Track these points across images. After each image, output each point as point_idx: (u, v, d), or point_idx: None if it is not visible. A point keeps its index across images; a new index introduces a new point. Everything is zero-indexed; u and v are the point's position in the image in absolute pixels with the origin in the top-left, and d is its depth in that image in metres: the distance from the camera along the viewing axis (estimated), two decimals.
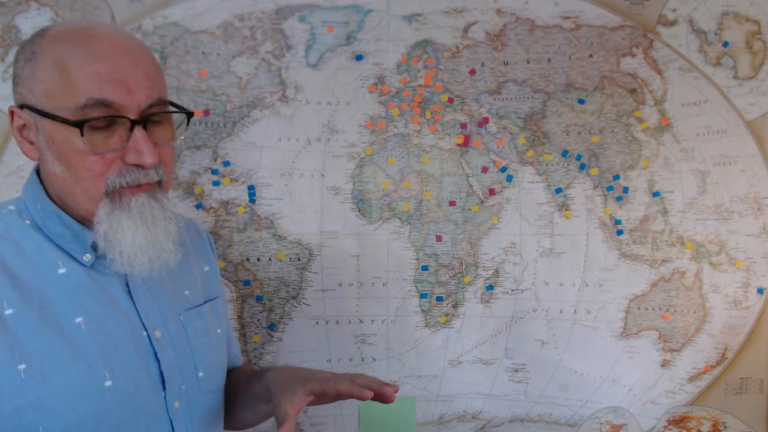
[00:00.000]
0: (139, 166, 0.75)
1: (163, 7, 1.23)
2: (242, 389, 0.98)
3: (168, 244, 0.78)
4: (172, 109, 0.80)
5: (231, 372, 1.02)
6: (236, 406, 0.98)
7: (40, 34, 0.76)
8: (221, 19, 1.25)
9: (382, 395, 0.81)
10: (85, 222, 0.77)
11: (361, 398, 0.80)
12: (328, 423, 1.34)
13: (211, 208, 1.26)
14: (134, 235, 0.75)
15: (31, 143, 0.77)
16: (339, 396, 0.83)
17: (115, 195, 0.75)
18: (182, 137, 0.82)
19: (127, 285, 0.81)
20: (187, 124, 0.83)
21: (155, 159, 0.75)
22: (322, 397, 0.84)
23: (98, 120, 0.72)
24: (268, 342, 1.29)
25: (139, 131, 0.74)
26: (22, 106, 0.76)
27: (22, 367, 0.71)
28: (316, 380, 0.83)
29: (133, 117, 0.74)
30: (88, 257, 0.78)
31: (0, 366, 0.70)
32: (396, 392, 0.82)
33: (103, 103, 0.72)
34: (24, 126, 0.77)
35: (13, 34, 1.19)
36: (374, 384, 0.81)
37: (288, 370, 0.92)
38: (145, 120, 0.75)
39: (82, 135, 0.71)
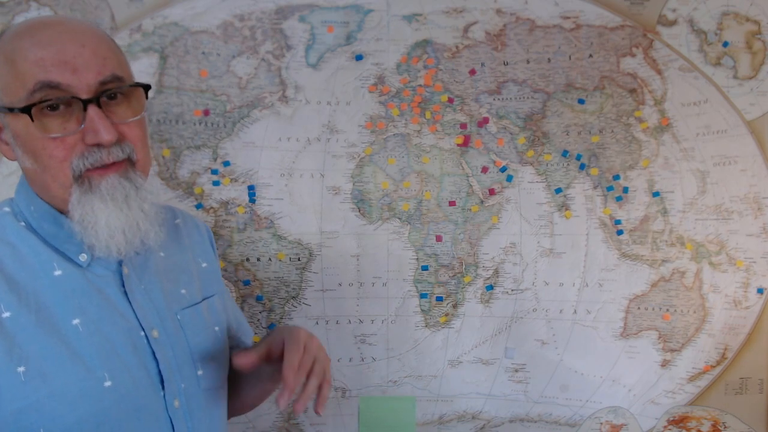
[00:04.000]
0: (99, 146, 0.74)
1: (163, 7, 1.23)
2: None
3: (145, 224, 0.77)
4: (129, 85, 0.78)
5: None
6: (240, 380, 0.99)
7: (2, 34, 0.77)
8: (221, 19, 1.25)
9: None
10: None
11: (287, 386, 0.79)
12: (328, 423, 1.34)
13: (211, 208, 1.26)
14: (108, 218, 0.74)
15: (7, 144, 0.77)
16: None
17: (83, 179, 0.74)
18: (145, 111, 0.80)
19: (123, 285, 0.81)
20: (146, 97, 0.81)
21: (113, 136, 0.74)
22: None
23: (46, 102, 0.72)
24: None
25: (92, 110, 0.73)
26: None
27: (21, 369, 0.70)
28: (287, 342, 0.84)
29: (84, 96, 0.73)
30: (84, 257, 0.78)
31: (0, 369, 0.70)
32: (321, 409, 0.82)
33: (49, 86, 0.72)
34: (1, 128, 0.77)
35: None
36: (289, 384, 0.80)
37: (284, 328, 0.92)
38: (97, 98, 0.74)
39: (32, 120, 0.71)
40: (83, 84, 0.73)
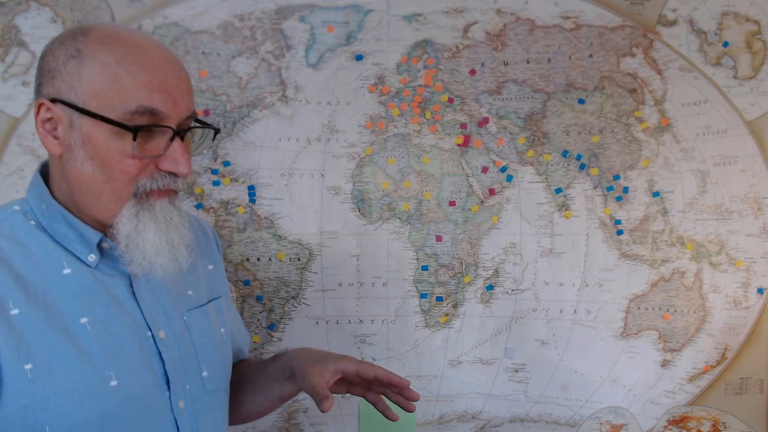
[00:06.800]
0: (172, 174, 0.78)
1: (163, 7, 1.23)
2: (254, 374, 1.00)
3: (181, 248, 0.81)
4: (207, 126, 0.85)
5: (237, 364, 1.03)
6: (245, 394, 0.99)
7: (83, 33, 0.76)
8: (221, 19, 1.25)
9: (407, 397, 0.89)
10: (92, 223, 0.78)
11: (402, 386, 0.88)
12: (328, 423, 1.34)
13: (211, 208, 1.26)
14: (155, 237, 0.77)
15: (56, 138, 0.76)
16: (375, 380, 0.88)
17: (143, 197, 0.77)
18: (206, 151, 0.88)
19: (131, 285, 0.81)
20: (213, 139, 0.90)
21: (190, 170, 0.79)
22: (349, 384, 0.90)
23: (148, 127, 0.75)
24: (268, 342, 1.29)
25: (177, 142, 0.77)
26: (54, 100, 0.76)
27: (28, 367, 0.71)
28: (349, 360, 0.89)
29: (174, 127, 0.77)
30: (92, 257, 0.78)
31: (7, 366, 0.70)
32: (417, 399, 0.90)
33: (152, 112, 0.75)
34: (50, 120, 0.76)
35: (13, 34, 1.19)
36: (406, 382, 0.89)
37: (312, 349, 0.97)
38: (185, 131, 0.79)
39: (134, 139, 0.74)
40: (177, 115, 0.77)
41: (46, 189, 0.79)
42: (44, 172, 0.82)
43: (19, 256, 0.75)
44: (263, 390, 0.98)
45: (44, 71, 0.77)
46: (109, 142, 0.74)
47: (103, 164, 0.75)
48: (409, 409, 0.90)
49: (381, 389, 0.92)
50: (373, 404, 0.92)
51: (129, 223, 0.76)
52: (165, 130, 0.76)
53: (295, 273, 1.29)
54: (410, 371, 1.34)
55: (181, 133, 0.78)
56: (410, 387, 0.89)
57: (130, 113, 0.74)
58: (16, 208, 0.80)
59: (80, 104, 0.74)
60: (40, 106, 0.77)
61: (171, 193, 0.80)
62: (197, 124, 0.84)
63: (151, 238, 0.77)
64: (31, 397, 0.71)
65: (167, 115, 0.76)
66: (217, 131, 0.87)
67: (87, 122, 0.74)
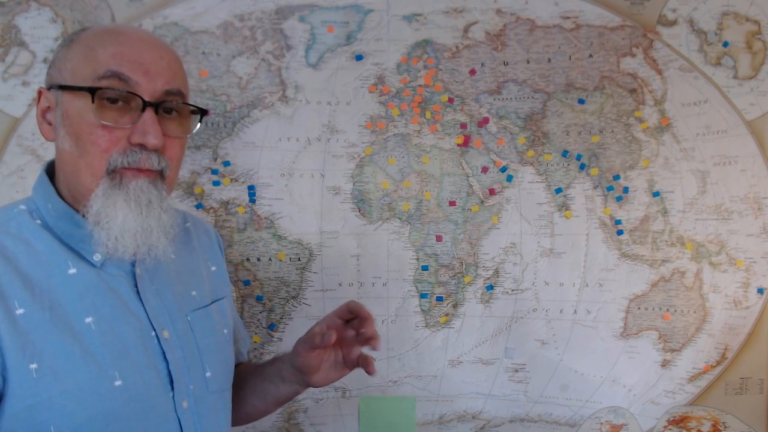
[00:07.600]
0: (142, 147, 0.76)
1: (163, 7, 1.23)
2: (251, 376, 1.01)
3: (158, 235, 0.78)
4: (189, 104, 0.83)
5: (236, 367, 1.03)
6: (244, 394, 1.00)
7: (84, 29, 0.81)
8: (221, 19, 1.25)
9: (372, 346, 0.91)
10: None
11: (365, 317, 0.90)
12: (328, 423, 1.34)
13: (211, 208, 1.26)
14: (125, 217, 0.75)
15: (50, 124, 0.79)
16: (349, 312, 0.92)
17: (116, 175, 0.76)
18: (194, 132, 0.85)
19: (136, 285, 0.81)
20: (200, 121, 0.85)
21: (159, 141, 0.76)
22: (341, 347, 0.93)
23: (111, 90, 0.74)
24: (268, 342, 1.29)
25: (149, 113, 0.76)
26: (49, 88, 0.79)
27: (33, 366, 0.71)
28: (323, 319, 0.93)
29: (146, 98, 0.76)
30: (98, 257, 0.78)
31: (12, 366, 0.70)
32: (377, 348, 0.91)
33: (119, 77, 0.75)
34: (48, 108, 0.79)
35: (13, 34, 1.19)
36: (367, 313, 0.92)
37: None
38: (158, 104, 0.77)
39: (92, 101, 0.74)
40: (150, 87, 0.76)
41: (52, 188, 0.79)
42: (50, 171, 0.82)
43: (25, 256, 0.75)
44: (261, 392, 0.99)
45: (50, 64, 0.81)
46: (81, 114, 0.75)
47: (77, 138, 0.76)
48: (369, 372, 0.92)
49: (361, 341, 0.93)
50: (361, 365, 0.94)
51: (100, 200, 0.75)
52: (136, 102, 0.76)
53: (295, 273, 1.29)
54: (410, 371, 1.34)
55: (155, 106, 0.77)
56: (376, 337, 0.91)
57: (98, 78, 0.74)
58: (22, 207, 0.80)
59: (62, 82, 0.77)
60: (39, 95, 0.80)
61: (152, 175, 0.78)
62: (181, 102, 0.81)
63: (120, 218, 0.75)
64: (36, 397, 0.71)
65: (136, 82, 0.75)
66: (203, 112, 0.85)
67: (66, 98, 0.76)
